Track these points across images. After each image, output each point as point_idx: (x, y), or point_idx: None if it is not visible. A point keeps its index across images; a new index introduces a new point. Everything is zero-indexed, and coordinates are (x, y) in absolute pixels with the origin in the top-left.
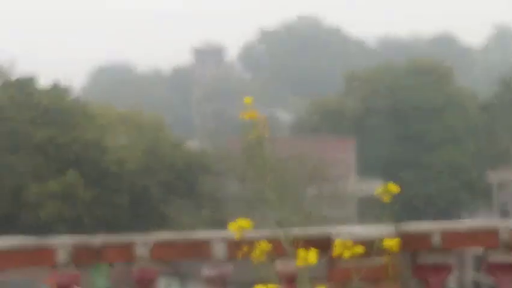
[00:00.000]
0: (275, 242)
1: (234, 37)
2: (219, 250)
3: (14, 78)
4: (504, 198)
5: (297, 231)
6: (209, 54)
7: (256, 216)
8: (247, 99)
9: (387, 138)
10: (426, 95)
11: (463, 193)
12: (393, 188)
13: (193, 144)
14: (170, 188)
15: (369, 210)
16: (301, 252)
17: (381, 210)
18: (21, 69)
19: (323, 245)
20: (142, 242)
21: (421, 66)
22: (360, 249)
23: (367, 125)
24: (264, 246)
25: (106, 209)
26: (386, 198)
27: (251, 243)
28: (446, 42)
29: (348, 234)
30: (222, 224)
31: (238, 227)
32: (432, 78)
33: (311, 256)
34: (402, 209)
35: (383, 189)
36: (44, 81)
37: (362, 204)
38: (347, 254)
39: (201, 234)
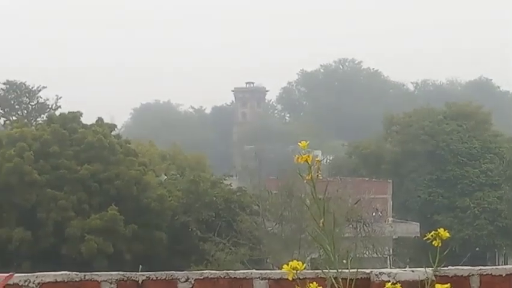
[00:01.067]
0: (317, 281)
1: (274, 79)
2: None
3: (58, 113)
4: None
5: (336, 271)
6: (250, 94)
7: (294, 256)
8: (303, 144)
9: (424, 182)
10: (464, 139)
11: (499, 238)
12: (444, 233)
13: (232, 182)
14: (209, 225)
15: (404, 251)
16: None
17: (416, 252)
18: (66, 103)
19: (363, 286)
20: (184, 278)
21: (459, 111)
22: None
23: (405, 168)
24: (313, 287)
25: (146, 245)
26: (437, 243)
27: (291, 282)
28: (482, 86)
29: (387, 276)
30: (259, 262)
31: (292, 268)
32: (471, 123)
33: None
34: (438, 252)
35: (433, 234)
36: (87, 119)
37: (398, 246)
38: None
39: (242, 272)
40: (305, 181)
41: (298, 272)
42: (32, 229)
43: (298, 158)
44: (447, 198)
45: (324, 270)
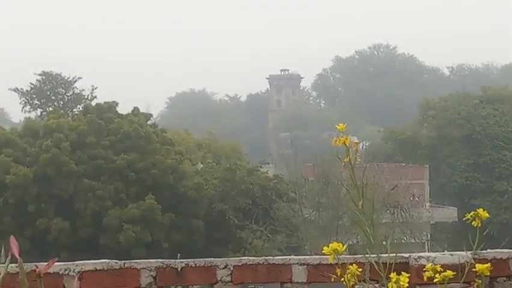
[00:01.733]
0: (357, 266)
1: (309, 67)
2: (300, 274)
3: (94, 103)
4: None
5: (376, 255)
6: (284, 82)
7: (332, 242)
8: (341, 126)
9: (461, 166)
10: (501, 123)
11: None
12: (483, 213)
13: (268, 170)
14: (246, 213)
15: (442, 236)
16: (393, 276)
17: (454, 236)
18: (101, 96)
19: (402, 270)
20: (223, 264)
21: (495, 95)
22: (449, 274)
23: (441, 153)
24: (353, 269)
25: (184, 234)
26: (476, 224)
27: (331, 267)
28: None
29: (426, 260)
30: (296, 249)
31: (332, 250)
32: (507, 107)
33: (403, 280)
34: (477, 236)
35: (472, 214)
36: (123, 109)
37: (436, 231)
38: (438, 279)
39: (281, 258)
40: (343, 164)
41: (337, 255)
42: (70, 219)
43: (336, 140)
44: (484, 182)
45: (364, 255)
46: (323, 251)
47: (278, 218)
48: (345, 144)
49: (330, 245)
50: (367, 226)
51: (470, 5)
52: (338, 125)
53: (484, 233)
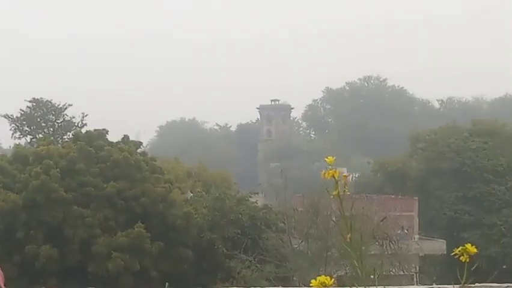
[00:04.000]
0: None
1: (300, 97)
2: None
3: (84, 131)
4: None
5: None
6: (275, 112)
7: (320, 273)
8: (330, 160)
9: (450, 199)
10: (490, 156)
11: None
12: (471, 248)
13: (258, 200)
14: (235, 242)
15: (431, 269)
16: None
17: (443, 270)
18: (92, 122)
19: None
20: None
21: (485, 129)
22: None
23: (431, 185)
24: None
25: (172, 263)
26: (464, 259)
27: None
28: (508, 103)
29: None
30: (285, 280)
31: (320, 283)
32: (496, 141)
33: None
34: (465, 270)
35: (461, 249)
36: (113, 136)
37: (425, 263)
38: None
39: None
40: (332, 196)
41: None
42: (58, 246)
43: (324, 173)
44: (473, 215)
45: (351, 287)
46: (311, 284)
47: (267, 248)
48: (334, 177)
49: (318, 278)
50: (355, 259)
51: (460, 40)
52: (327, 157)
53: (473, 268)
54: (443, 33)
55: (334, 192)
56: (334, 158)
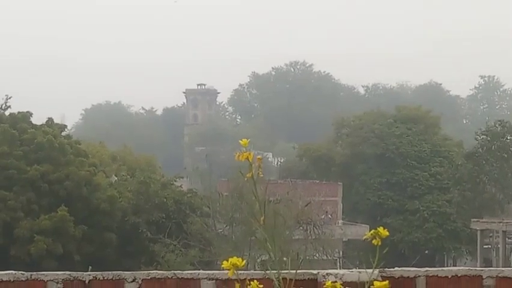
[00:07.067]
0: (264, 282)
1: (226, 82)
2: None
3: (7, 113)
4: (487, 247)
5: (285, 272)
6: (201, 96)
7: (244, 257)
8: (244, 142)
9: (374, 185)
10: (414, 142)
11: (447, 240)
12: (383, 232)
13: (183, 184)
14: (160, 226)
15: (354, 253)
16: None
17: (366, 254)
18: (15, 106)
19: (311, 287)
20: (131, 278)
21: (409, 115)
22: None
23: (355, 170)
24: (254, 285)
25: (96, 247)
26: (376, 242)
27: (240, 282)
28: (432, 90)
29: (334, 277)
30: (209, 264)
31: (231, 265)
32: (420, 127)
33: None
34: (388, 254)
35: (373, 232)
36: (38, 119)
37: (348, 247)
38: None
39: (190, 272)
40: (245, 179)
41: (245, 272)
42: None
43: (238, 155)
44: (396, 201)
45: (267, 271)
46: (222, 266)
47: (191, 232)
48: (248, 160)
49: (230, 259)
50: (269, 242)
51: (386, 26)
52: (241, 140)
53: (387, 251)
54: (370, 19)
55: (248, 175)
56: (248, 140)
